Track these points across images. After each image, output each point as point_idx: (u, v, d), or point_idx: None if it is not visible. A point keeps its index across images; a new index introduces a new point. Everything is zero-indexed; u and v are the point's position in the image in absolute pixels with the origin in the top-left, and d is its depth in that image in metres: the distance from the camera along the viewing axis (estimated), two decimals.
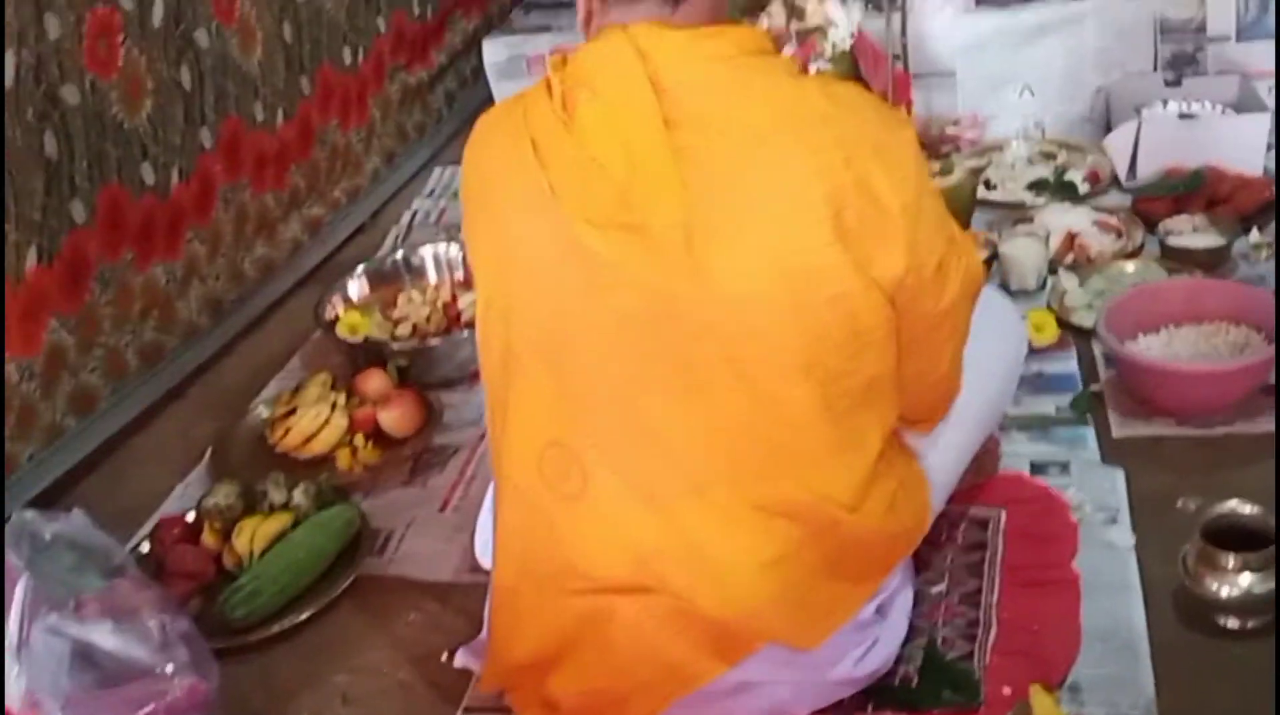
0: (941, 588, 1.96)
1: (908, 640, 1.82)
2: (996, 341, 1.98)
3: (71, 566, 1.84)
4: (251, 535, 2.18)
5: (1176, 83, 3.31)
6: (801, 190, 1.50)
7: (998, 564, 1.99)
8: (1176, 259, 2.70)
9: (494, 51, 3.93)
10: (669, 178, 1.52)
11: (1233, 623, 1.82)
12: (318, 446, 2.48)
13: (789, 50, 3.10)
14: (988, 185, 3.17)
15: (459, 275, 2.97)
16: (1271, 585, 1.79)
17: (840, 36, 3.16)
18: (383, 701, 1.95)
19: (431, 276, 3.02)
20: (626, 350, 1.58)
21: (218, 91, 2.88)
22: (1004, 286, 2.71)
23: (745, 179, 1.52)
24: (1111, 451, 2.22)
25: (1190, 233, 2.76)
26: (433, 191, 3.74)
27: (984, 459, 2.10)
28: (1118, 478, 2.14)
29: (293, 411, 2.51)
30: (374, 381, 2.58)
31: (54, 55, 2.38)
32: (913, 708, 1.77)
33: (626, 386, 1.60)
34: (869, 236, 1.52)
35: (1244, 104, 3.16)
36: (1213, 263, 2.68)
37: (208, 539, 2.23)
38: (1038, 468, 2.19)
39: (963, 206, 2.89)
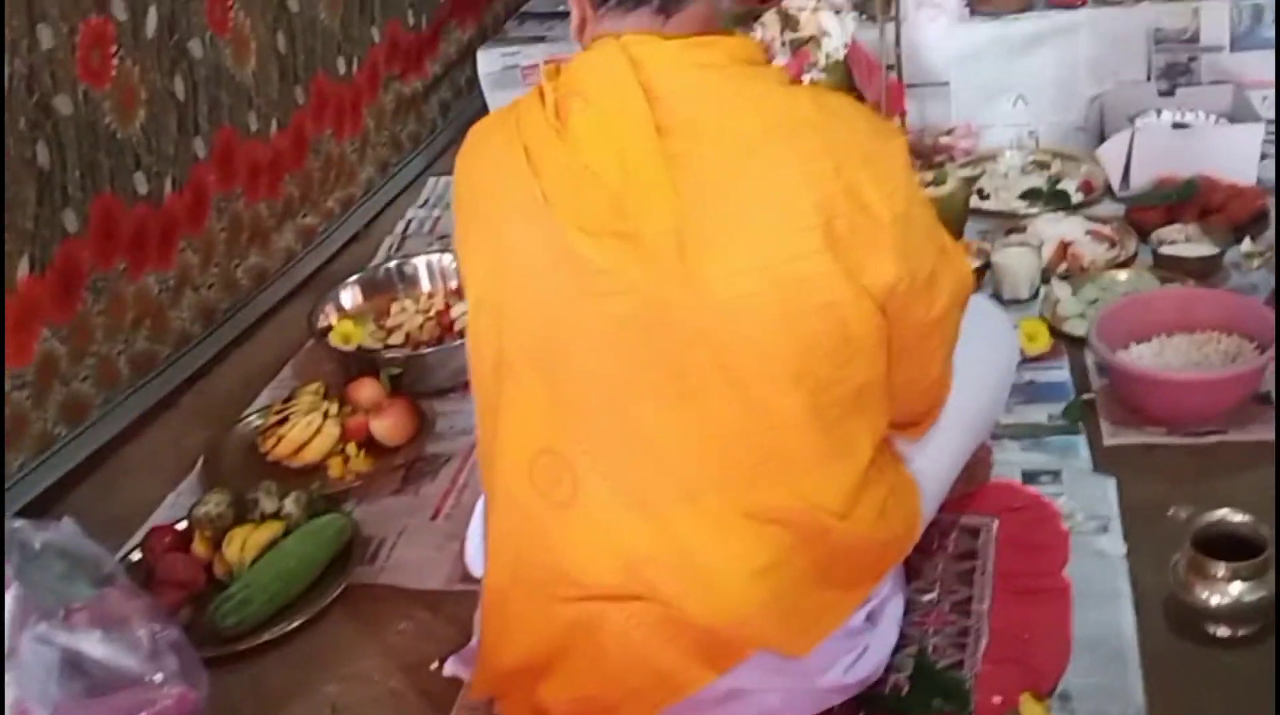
0: (933, 596, 1.96)
1: (898, 648, 1.82)
2: (988, 350, 1.99)
3: (61, 575, 1.84)
4: (242, 544, 2.17)
5: (1170, 92, 3.32)
6: (792, 198, 1.51)
7: (989, 572, 1.99)
8: (1169, 268, 2.71)
9: (488, 61, 3.93)
10: (662, 185, 1.52)
11: (1223, 631, 1.81)
12: (309, 455, 2.48)
13: (781, 61, 3.11)
14: (981, 194, 3.18)
15: (453, 284, 2.97)
16: (1262, 594, 1.79)
17: (834, 46, 3.16)
18: (373, 710, 1.94)
19: (425, 286, 3.03)
20: (619, 357, 1.58)
21: (211, 101, 2.88)
22: (997, 296, 2.71)
23: (737, 187, 1.52)
24: (1103, 460, 2.22)
25: (1183, 242, 2.76)
26: (427, 201, 3.74)
27: (976, 467, 2.10)
28: (1109, 486, 2.14)
29: (284, 420, 2.51)
30: (366, 390, 2.58)
31: (46, 65, 2.38)
32: None
33: (619, 393, 1.60)
34: (860, 245, 1.53)
35: (1237, 114, 3.16)
36: (1205, 272, 2.68)
37: (198, 548, 2.22)
38: (1029, 476, 2.20)
39: (956, 216, 2.89)
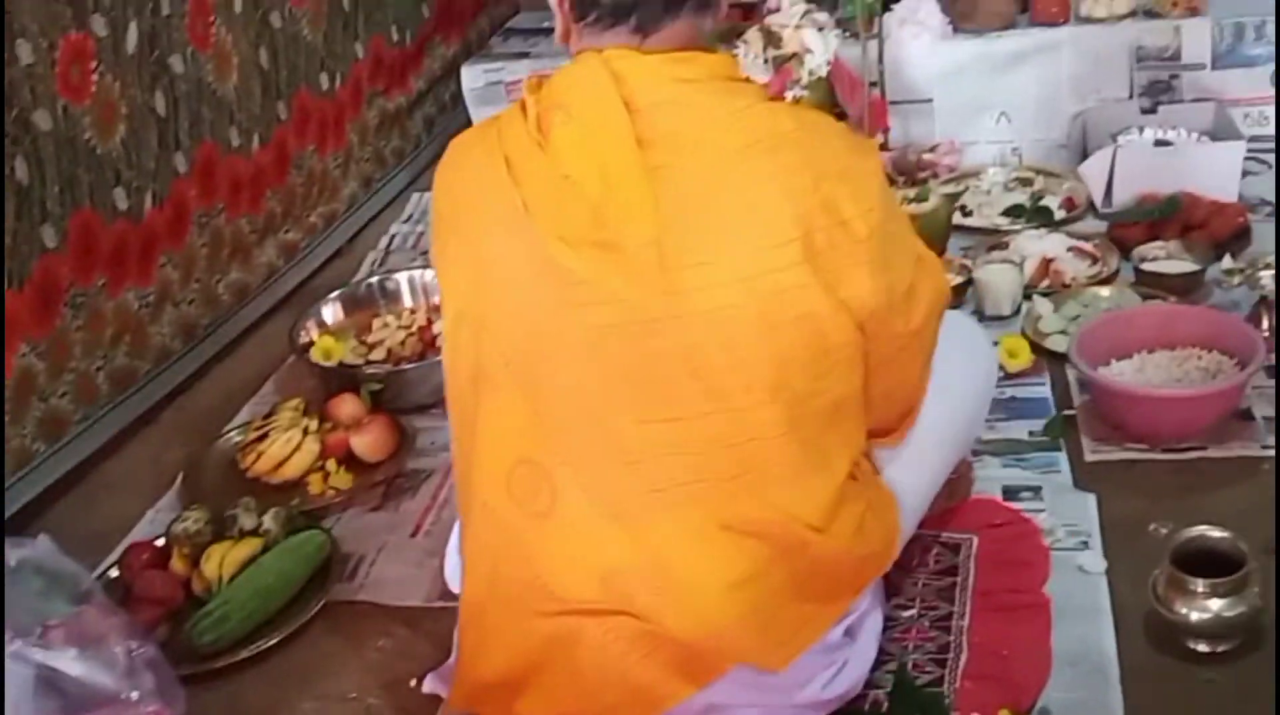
0: (912, 612, 1.96)
1: (878, 664, 1.82)
2: (968, 365, 1.99)
3: (38, 592, 1.83)
4: (221, 560, 2.16)
5: (1152, 110, 3.33)
6: (772, 211, 1.52)
7: (969, 588, 1.99)
8: (1150, 285, 2.71)
9: (472, 77, 3.93)
10: (643, 196, 1.53)
11: (1203, 647, 1.81)
12: (289, 471, 2.46)
13: (763, 78, 3.11)
14: (964, 211, 3.18)
15: (435, 300, 2.96)
16: (1241, 609, 1.79)
17: (817, 63, 3.17)
18: None
19: (407, 301, 3.02)
20: (599, 367, 1.58)
21: (192, 117, 2.87)
22: (979, 312, 2.72)
23: (717, 199, 1.53)
24: (1084, 476, 2.22)
25: (1164, 259, 2.77)
26: (410, 217, 3.74)
27: (956, 483, 2.10)
28: (1090, 502, 2.14)
29: (264, 436, 2.50)
30: (347, 406, 2.57)
31: (26, 80, 2.37)
32: None
33: (599, 404, 1.60)
34: (838, 259, 1.54)
35: (1219, 131, 3.17)
36: (1187, 288, 2.69)
37: (177, 564, 2.21)
38: (1010, 492, 2.19)
39: (938, 232, 2.90)
